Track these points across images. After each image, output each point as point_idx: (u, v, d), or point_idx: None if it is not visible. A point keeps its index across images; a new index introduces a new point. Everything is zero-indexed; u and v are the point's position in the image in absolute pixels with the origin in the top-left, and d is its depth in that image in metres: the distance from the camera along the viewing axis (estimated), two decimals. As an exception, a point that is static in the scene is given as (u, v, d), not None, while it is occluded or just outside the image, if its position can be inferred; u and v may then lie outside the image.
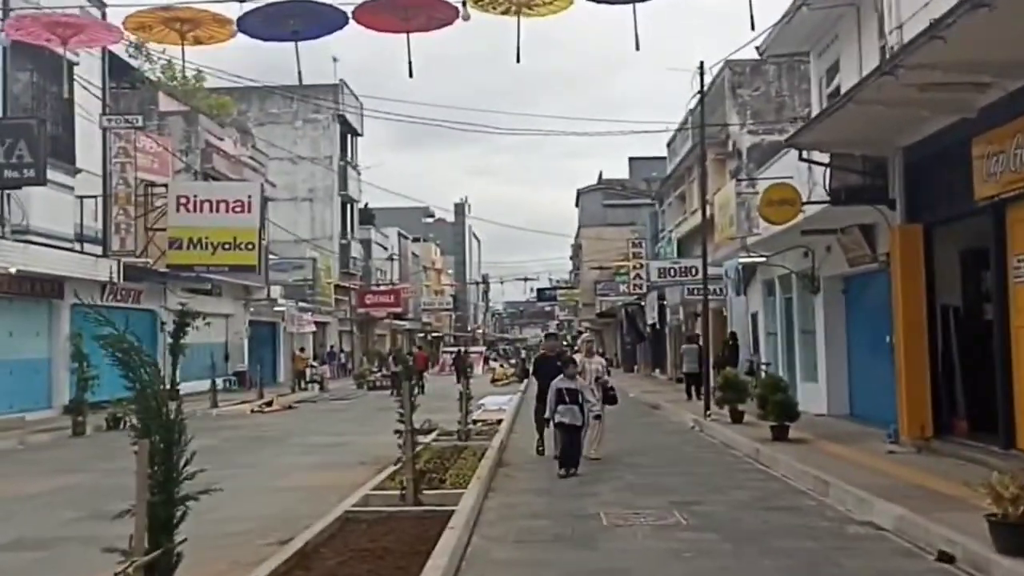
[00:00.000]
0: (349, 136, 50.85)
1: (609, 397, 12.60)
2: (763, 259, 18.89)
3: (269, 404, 25.14)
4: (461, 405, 13.92)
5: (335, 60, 58.74)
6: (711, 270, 23.85)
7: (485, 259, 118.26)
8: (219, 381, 31.25)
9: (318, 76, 50.21)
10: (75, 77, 21.13)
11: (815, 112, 15.93)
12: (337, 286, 47.09)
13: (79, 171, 20.97)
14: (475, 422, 17.29)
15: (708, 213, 20.65)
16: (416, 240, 74.47)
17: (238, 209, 25.65)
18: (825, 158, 12.14)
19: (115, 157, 22.01)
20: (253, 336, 36.34)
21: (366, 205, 59.60)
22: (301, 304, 41.14)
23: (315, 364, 37.91)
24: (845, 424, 15.18)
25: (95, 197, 21.76)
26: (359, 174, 52.26)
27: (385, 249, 60.71)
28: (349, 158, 50.55)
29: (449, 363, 48.76)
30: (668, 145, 36.24)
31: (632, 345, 47.71)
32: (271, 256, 37.25)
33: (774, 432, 13.00)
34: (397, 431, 8.23)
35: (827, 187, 12.05)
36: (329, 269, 45.37)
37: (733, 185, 18.58)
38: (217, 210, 25.51)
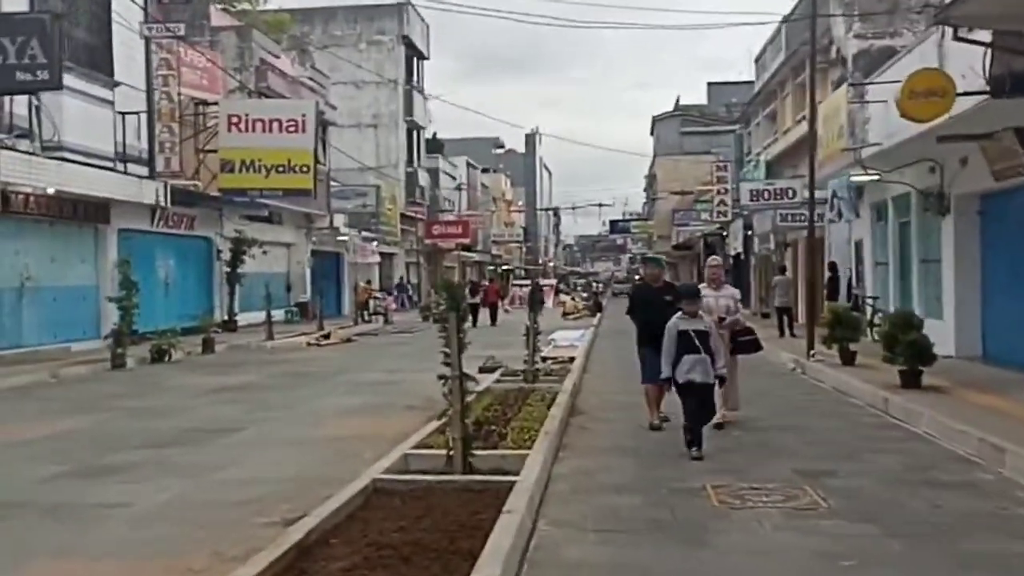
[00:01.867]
0: (415, 59, 48.62)
1: (747, 343, 9.00)
2: (876, 176, 16.34)
3: (327, 337, 23.74)
4: (528, 342, 12.03)
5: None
6: (808, 193, 21.38)
7: (556, 192, 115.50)
8: (280, 312, 30.23)
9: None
10: (111, -19, 19.48)
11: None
12: (403, 216, 45.49)
13: (117, 84, 19.42)
14: (544, 359, 15.54)
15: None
16: (486, 171, 72.35)
17: (292, 129, 23.97)
18: (984, 37, 9.63)
19: (157, 69, 20.37)
20: (316, 266, 35.07)
21: (434, 135, 57.63)
22: (365, 234, 39.66)
23: (379, 296, 36.51)
24: (981, 368, 12.86)
25: (137, 113, 20.22)
26: (426, 99, 50.10)
27: (454, 179, 58.82)
28: (415, 82, 48.39)
29: (520, 296, 47.00)
30: (756, 61, 33.19)
31: (711, 278, 45.18)
32: (333, 183, 35.72)
33: (903, 378, 10.80)
34: (442, 377, 6.36)
35: (987, 75, 9.57)
36: (394, 198, 43.71)
37: (844, 90, 15.98)
38: (270, 130, 23.88)
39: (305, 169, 24.10)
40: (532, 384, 11.59)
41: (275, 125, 23.88)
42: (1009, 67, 9.54)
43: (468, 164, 63.50)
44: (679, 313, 7.73)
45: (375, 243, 41.21)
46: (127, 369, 16.33)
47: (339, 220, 36.66)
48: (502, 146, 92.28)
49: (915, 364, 10.69)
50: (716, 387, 7.82)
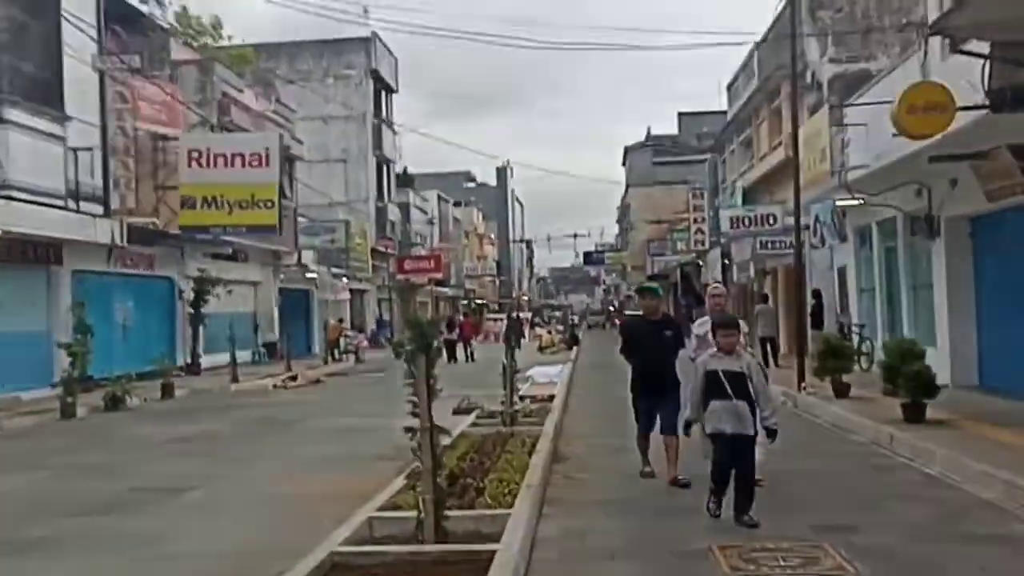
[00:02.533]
0: (384, 93, 48.08)
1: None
2: (859, 201, 15.80)
3: (294, 379, 22.76)
4: (505, 382, 11.22)
5: (365, 11, 55.20)
6: (788, 220, 20.86)
7: (529, 225, 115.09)
8: (248, 353, 29.24)
9: (348, 30, 47.50)
10: (63, 14, 18.69)
11: (932, 16, 12.82)
12: (374, 251, 44.67)
13: (69, 119, 18.53)
14: (522, 398, 14.76)
15: (790, 149, 17.67)
16: (457, 204, 71.83)
17: (255, 163, 23.17)
18: (982, 49, 9.09)
19: (111, 103, 19.52)
20: (285, 305, 34.06)
21: (405, 169, 57.06)
22: (335, 270, 38.76)
23: (351, 333, 35.56)
24: (982, 398, 12.23)
25: (90, 149, 19.33)
26: (395, 133, 49.52)
27: (425, 213, 58.15)
28: (384, 116, 47.79)
29: (495, 332, 46.20)
30: (728, 88, 32.97)
31: (688, 308, 44.63)
32: (301, 219, 34.91)
33: (906, 412, 10.12)
34: (409, 429, 5.55)
35: (986, 88, 9.02)
36: (365, 233, 42.89)
37: (825, 113, 15.50)
38: (232, 164, 23.06)
39: (270, 204, 23.27)
40: (510, 427, 10.77)
41: (238, 159, 23.07)
42: (1010, 80, 9.00)
43: (439, 198, 62.94)
44: (712, 349, 6.41)
45: (345, 280, 40.33)
46: (78, 419, 15.31)
47: (308, 257, 35.78)
48: (474, 179, 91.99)
49: (918, 397, 10.03)
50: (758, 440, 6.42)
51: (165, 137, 23.72)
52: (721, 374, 6.20)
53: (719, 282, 10.15)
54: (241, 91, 28.79)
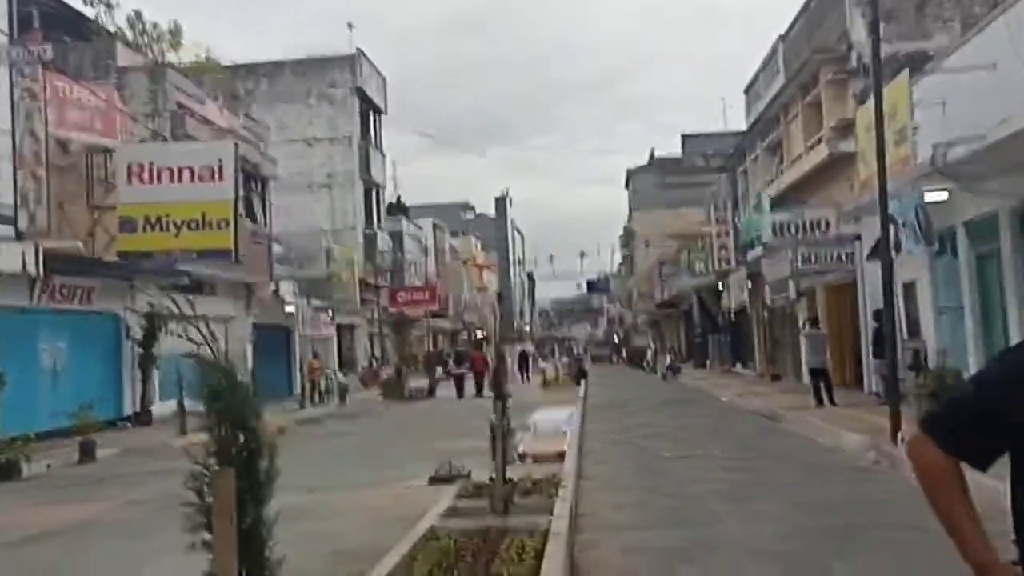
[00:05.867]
0: (371, 113, 44.93)
1: None
2: (944, 193, 12.34)
3: (254, 429, 19.16)
4: (494, 447, 7.69)
5: (351, 27, 52.07)
6: (843, 227, 17.44)
7: (529, 256, 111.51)
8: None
9: (331, 48, 44.43)
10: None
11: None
12: (364, 283, 41.17)
13: (-39, 120, 15.22)
14: (522, 457, 11.38)
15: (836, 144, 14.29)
16: (455, 234, 68.56)
17: (206, 177, 19.77)
18: None
19: (18, 102, 16.17)
20: (261, 342, 30.49)
21: (398, 198, 53.95)
22: (317, 303, 35.26)
23: (331, 372, 32.09)
24: None
25: (-7, 159, 15.97)
26: (384, 156, 46.27)
27: (420, 242, 54.80)
28: (372, 138, 44.58)
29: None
30: (746, 91, 29.73)
31: (703, 336, 41.10)
32: (278, 247, 31.53)
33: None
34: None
35: None
36: (352, 262, 39.43)
37: (906, 82, 12.10)
38: (180, 179, 19.67)
39: (224, 224, 19.83)
40: (504, 518, 7.25)
41: (186, 173, 19.67)
42: None
43: (435, 226, 59.59)
44: None
45: (329, 313, 36.87)
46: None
47: (286, 288, 32.36)
48: (472, 209, 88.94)
49: None
50: None
51: (106, 150, 20.43)
52: None
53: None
54: (202, 102, 25.53)
